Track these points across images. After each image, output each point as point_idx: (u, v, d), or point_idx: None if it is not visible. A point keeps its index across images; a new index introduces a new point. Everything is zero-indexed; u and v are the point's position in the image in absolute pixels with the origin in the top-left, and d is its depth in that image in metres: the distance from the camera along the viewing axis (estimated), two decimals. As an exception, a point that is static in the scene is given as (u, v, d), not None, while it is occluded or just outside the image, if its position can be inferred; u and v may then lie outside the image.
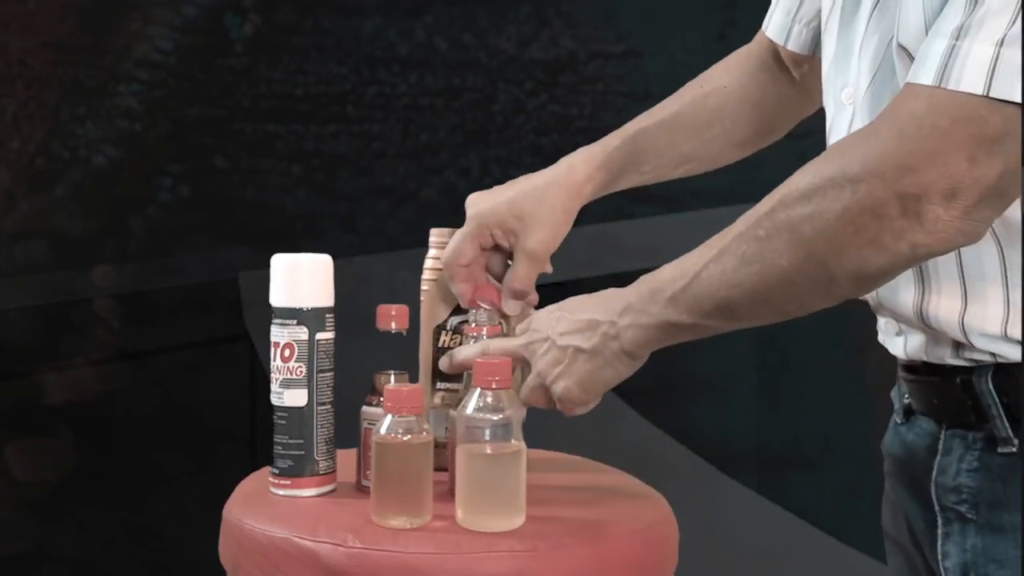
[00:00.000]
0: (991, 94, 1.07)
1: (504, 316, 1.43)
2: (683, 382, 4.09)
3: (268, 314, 1.37)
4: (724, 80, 1.55)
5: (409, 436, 1.26)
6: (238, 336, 3.78)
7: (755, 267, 1.17)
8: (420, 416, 1.27)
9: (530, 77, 4.59)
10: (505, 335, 1.40)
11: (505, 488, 1.26)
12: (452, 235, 1.44)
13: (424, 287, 1.45)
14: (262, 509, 1.32)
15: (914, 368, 1.29)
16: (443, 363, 1.39)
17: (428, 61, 4.50)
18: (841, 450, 4.00)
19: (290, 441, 1.35)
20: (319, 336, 1.35)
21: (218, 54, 4.25)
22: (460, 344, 1.42)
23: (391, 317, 1.38)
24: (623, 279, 1.31)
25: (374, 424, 1.30)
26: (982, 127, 1.08)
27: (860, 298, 1.26)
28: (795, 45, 1.51)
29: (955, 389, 1.23)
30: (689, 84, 1.57)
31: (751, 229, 1.17)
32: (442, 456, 1.35)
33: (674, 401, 4.12)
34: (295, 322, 1.35)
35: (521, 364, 1.33)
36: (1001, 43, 1.07)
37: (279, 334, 1.35)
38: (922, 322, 1.24)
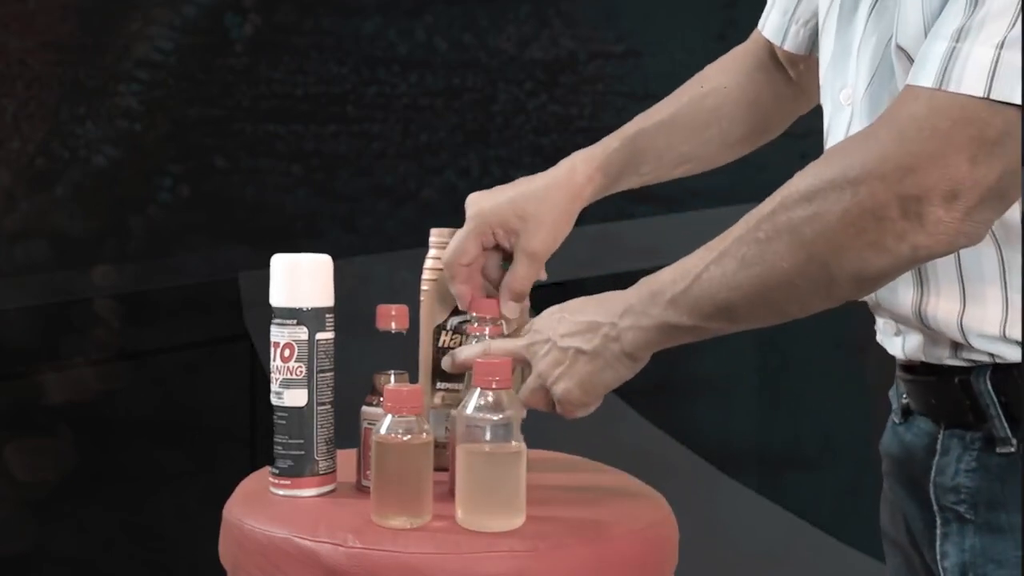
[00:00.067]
0: (992, 96, 1.07)
1: (504, 318, 1.43)
2: (683, 383, 4.09)
3: (268, 314, 1.37)
4: (721, 80, 1.55)
5: (409, 436, 1.26)
6: (238, 336, 3.78)
7: (756, 269, 1.17)
8: (420, 416, 1.27)
9: (530, 77, 4.60)
10: (505, 336, 1.40)
11: (505, 488, 1.26)
12: (452, 235, 1.44)
13: (424, 287, 1.45)
14: (262, 509, 1.32)
15: (912, 368, 1.29)
16: (445, 363, 1.39)
17: (428, 61, 4.50)
18: (841, 450, 4.00)
19: (290, 441, 1.35)
20: (319, 336, 1.35)
21: (218, 54, 4.25)
22: (460, 344, 1.42)
23: (391, 317, 1.38)
24: (623, 279, 1.31)
25: (374, 424, 1.30)
26: (982, 129, 1.08)
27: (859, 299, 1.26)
28: (791, 45, 1.51)
29: (953, 389, 1.23)
30: (686, 84, 1.57)
31: (751, 231, 1.17)
32: (442, 456, 1.35)
33: (674, 401, 4.12)
34: (295, 322, 1.35)
35: (522, 365, 1.33)
36: (1001, 45, 1.07)
37: (279, 334, 1.35)
38: (921, 323, 1.24)
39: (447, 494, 1.31)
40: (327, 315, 1.36)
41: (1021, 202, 1.15)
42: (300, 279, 1.36)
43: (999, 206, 1.11)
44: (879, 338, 1.34)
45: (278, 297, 1.36)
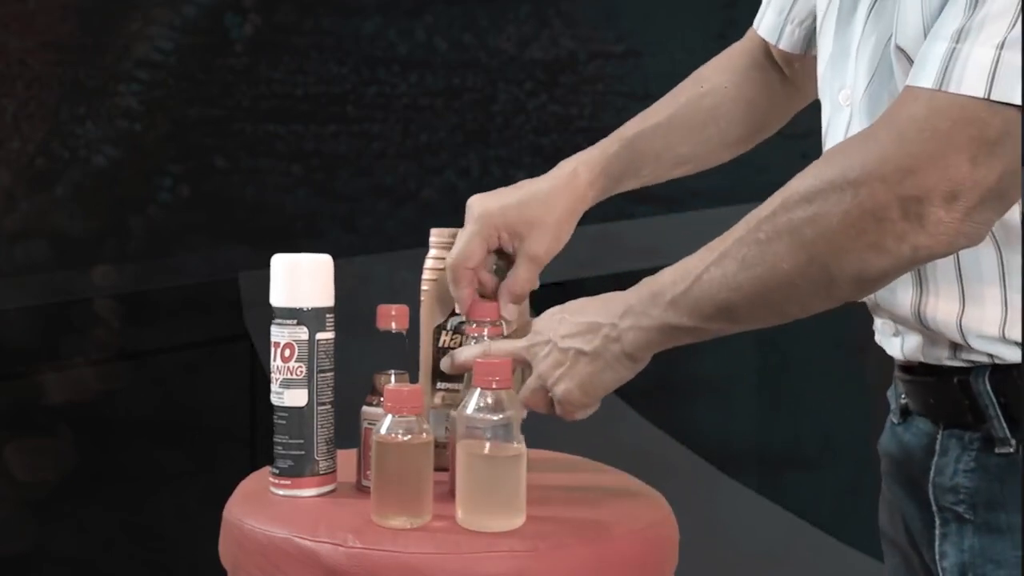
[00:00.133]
0: (992, 97, 1.07)
1: (503, 319, 1.43)
2: (684, 383, 4.09)
3: (268, 314, 1.37)
4: (719, 80, 1.55)
5: (409, 436, 1.26)
6: (238, 336, 3.78)
7: (756, 270, 1.17)
8: (420, 416, 1.27)
9: (530, 77, 4.60)
10: (505, 337, 1.40)
11: (505, 488, 1.26)
12: (453, 235, 1.44)
13: (424, 287, 1.45)
14: (262, 509, 1.32)
15: (911, 368, 1.29)
16: (445, 364, 1.39)
17: (428, 61, 4.51)
18: (841, 450, 4.00)
19: (290, 441, 1.35)
20: (319, 336, 1.35)
21: (218, 54, 4.25)
22: (460, 344, 1.42)
23: (391, 317, 1.38)
24: (624, 279, 1.31)
25: (374, 424, 1.30)
26: (983, 129, 1.08)
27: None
28: (787, 44, 1.51)
29: (952, 389, 1.23)
30: (683, 84, 1.56)
31: (752, 232, 1.17)
32: (442, 456, 1.35)
33: (675, 402, 4.12)
34: (295, 322, 1.35)
35: (522, 366, 1.33)
36: (1001, 46, 1.07)
37: (279, 334, 1.35)
38: (920, 323, 1.24)
39: (447, 494, 1.31)
40: (327, 315, 1.36)
41: (1021, 203, 1.15)
42: (300, 279, 1.36)
43: (999, 206, 1.11)
44: (877, 338, 1.34)
45: (278, 297, 1.36)
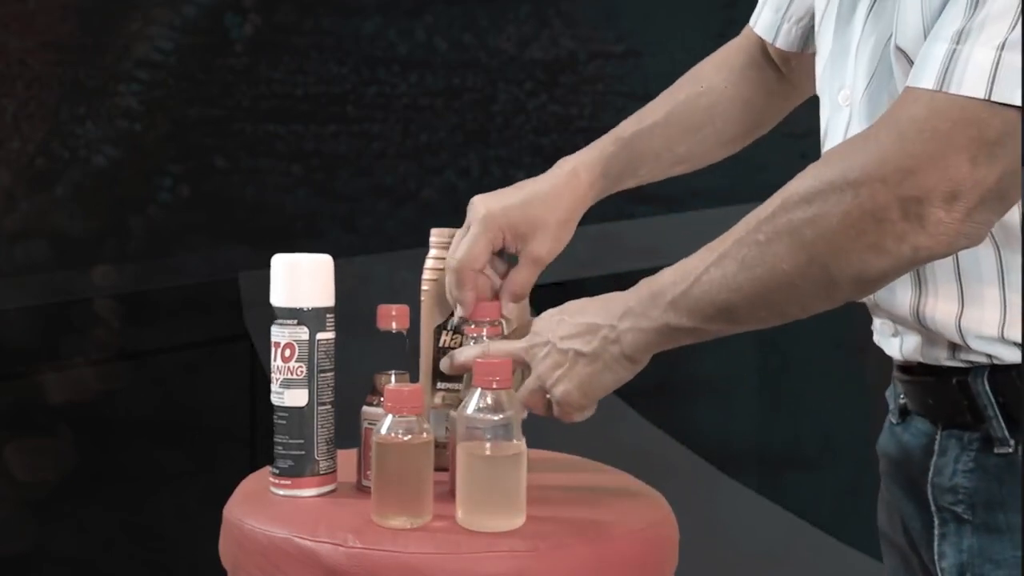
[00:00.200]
0: (992, 98, 1.07)
1: (504, 319, 1.43)
2: (684, 383, 4.09)
3: (268, 314, 1.37)
4: (715, 79, 1.55)
5: (409, 436, 1.26)
6: (238, 336, 3.78)
7: (756, 271, 1.17)
8: (420, 416, 1.28)
9: (530, 77, 4.60)
10: (504, 337, 1.40)
11: (505, 488, 1.26)
12: (452, 235, 1.44)
13: (424, 287, 1.45)
14: (262, 509, 1.32)
15: (910, 369, 1.29)
16: (444, 364, 1.39)
17: (428, 61, 4.51)
18: (841, 450, 4.00)
19: (290, 441, 1.35)
20: (319, 336, 1.36)
21: (218, 54, 4.25)
22: (460, 344, 1.42)
23: (391, 317, 1.38)
24: (624, 279, 1.31)
25: (374, 424, 1.30)
26: (983, 130, 1.08)
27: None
28: (783, 43, 1.51)
29: (951, 390, 1.23)
30: (680, 82, 1.56)
31: (752, 233, 1.17)
32: (442, 456, 1.35)
33: (674, 402, 4.12)
34: (295, 322, 1.35)
35: (521, 367, 1.33)
36: (1002, 47, 1.07)
37: (279, 334, 1.35)
38: (919, 324, 1.24)
39: (447, 494, 1.31)
40: (327, 315, 1.36)
41: (1020, 203, 1.15)
42: (300, 279, 1.36)
43: (999, 207, 1.11)
44: (876, 339, 1.34)
45: (278, 297, 1.36)
